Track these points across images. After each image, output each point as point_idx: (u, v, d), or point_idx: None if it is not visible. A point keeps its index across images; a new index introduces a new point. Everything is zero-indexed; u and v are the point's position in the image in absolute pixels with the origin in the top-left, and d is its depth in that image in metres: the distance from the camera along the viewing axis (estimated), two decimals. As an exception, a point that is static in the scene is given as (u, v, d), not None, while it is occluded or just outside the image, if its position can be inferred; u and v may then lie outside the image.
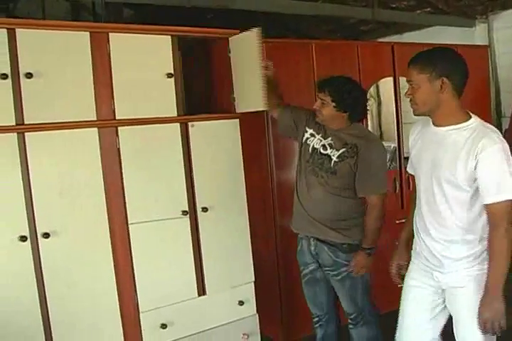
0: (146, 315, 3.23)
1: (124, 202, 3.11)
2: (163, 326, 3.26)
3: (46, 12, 6.50)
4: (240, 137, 3.50)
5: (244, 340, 3.56)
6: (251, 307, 3.62)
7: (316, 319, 3.59)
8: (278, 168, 4.00)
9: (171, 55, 3.23)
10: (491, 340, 2.49)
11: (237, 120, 3.48)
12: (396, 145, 4.62)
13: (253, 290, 3.61)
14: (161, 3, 4.89)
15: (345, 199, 3.23)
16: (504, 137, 2.41)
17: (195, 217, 3.34)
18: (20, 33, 2.82)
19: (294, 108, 3.51)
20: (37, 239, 2.86)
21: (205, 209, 3.34)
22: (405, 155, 4.64)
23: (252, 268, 3.58)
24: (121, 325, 3.15)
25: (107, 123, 3.03)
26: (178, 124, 3.26)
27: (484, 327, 2.40)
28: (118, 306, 3.13)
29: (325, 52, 4.18)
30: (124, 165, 3.09)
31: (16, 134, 2.81)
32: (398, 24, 6.90)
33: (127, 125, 3.09)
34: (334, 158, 3.18)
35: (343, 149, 3.16)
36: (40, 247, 2.87)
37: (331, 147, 3.21)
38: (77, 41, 2.98)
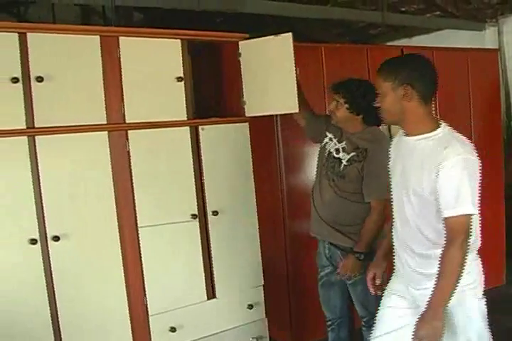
0: (156, 318, 3.23)
1: (134, 206, 3.12)
2: (173, 329, 3.26)
3: (56, 16, 6.52)
4: (249, 141, 3.50)
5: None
6: (260, 311, 3.62)
7: (329, 322, 3.58)
8: (288, 171, 3.99)
9: (181, 58, 3.24)
10: None
11: (247, 124, 3.48)
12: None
13: (262, 294, 3.61)
14: (170, 6, 4.89)
15: (353, 203, 3.22)
16: None
17: (205, 220, 3.35)
18: (31, 37, 2.84)
19: (319, 115, 3.53)
20: (47, 242, 2.88)
21: (215, 213, 3.34)
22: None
23: (262, 272, 3.58)
24: (130, 327, 3.16)
25: (117, 127, 3.05)
26: (188, 128, 3.27)
27: None
28: (127, 309, 3.14)
29: (334, 56, 4.18)
30: (133, 168, 3.10)
31: (26, 137, 2.82)
32: (407, 28, 6.87)
33: (137, 128, 3.11)
34: (344, 162, 3.18)
35: (353, 153, 3.17)
36: (49, 250, 2.88)
37: (343, 150, 3.21)
38: (87, 45, 2.99)
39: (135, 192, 3.11)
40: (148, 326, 3.22)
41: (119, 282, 3.10)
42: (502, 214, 5.15)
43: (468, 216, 2.24)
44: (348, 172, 3.17)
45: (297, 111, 3.17)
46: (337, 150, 3.24)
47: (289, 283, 4.07)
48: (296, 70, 3.20)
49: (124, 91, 3.07)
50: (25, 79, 2.81)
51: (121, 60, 3.07)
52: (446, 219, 2.26)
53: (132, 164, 3.10)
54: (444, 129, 2.37)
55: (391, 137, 3.18)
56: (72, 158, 2.93)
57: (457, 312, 2.36)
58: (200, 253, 3.34)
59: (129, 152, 3.08)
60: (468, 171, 2.23)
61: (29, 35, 2.83)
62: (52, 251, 2.88)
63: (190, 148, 3.28)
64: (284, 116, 3.82)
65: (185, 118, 3.26)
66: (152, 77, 3.16)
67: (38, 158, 2.84)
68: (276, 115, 3.85)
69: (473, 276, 2.40)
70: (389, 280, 2.72)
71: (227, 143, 3.43)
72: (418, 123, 2.37)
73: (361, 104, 3.13)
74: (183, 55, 3.25)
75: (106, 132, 3.02)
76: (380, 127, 3.37)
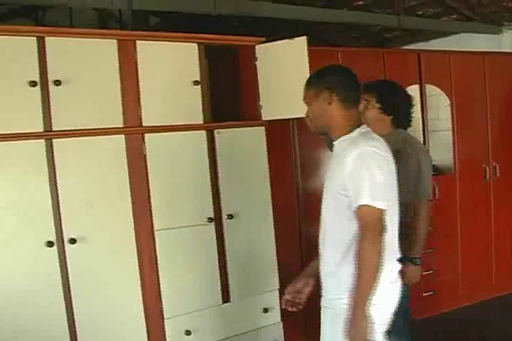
0: (171, 321, 3.23)
1: (150, 209, 3.13)
2: (188, 332, 3.26)
3: (73, 20, 6.57)
4: (265, 145, 3.50)
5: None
6: (275, 315, 3.61)
7: None
8: (303, 175, 3.99)
9: (198, 62, 3.25)
10: None
11: (263, 127, 3.49)
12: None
13: (278, 298, 3.60)
14: (187, 10, 4.91)
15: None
16: None
17: (221, 224, 3.35)
18: (49, 41, 2.86)
19: None
20: (63, 244, 2.89)
21: (230, 216, 3.35)
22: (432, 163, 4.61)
23: (277, 276, 3.58)
24: (145, 330, 3.16)
25: (134, 130, 3.06)
26: (204, 131, 3.28)
27: None
28: (143, 312, 3.14)
29: (351, 60, 4.15)
30: (150, 171, 3.11)
31: (44, 140, 2.85)
32: (424, 31, 6.84)
33: (154, 132, 3.12)
34: None
35: None
36: (66, 253, 2.90)
37: None
38: (104, 49, 3.02)
39: (151, 195, 3.12)
40: (164, 329, 3.22)
41: (134, 285, 3.11)
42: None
43: (373, 208, 2.20)
44: None
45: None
46: None
47: (304, 286, 4.06)
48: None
49: (140, 95, 3.08)
50: (43, 82, 2.83)
51: (138, 63, 3.09)
52: (354, 212, 2.25)
53: (148, 167, 3.10)
54: (360, 130, 2.38)
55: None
56: (88, 161, 2.94)
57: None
58: (216, 256, 3.34)
59: (145, 155, 3.10)
60: (370, 164, 2.22)
61: (47, 39, 2.85)
62: (69, 253, 2.90)
63: (206, 151, 3.29)
64: (301, 120, 3.81)
65: (202, 122, 3.27)
66: (169, 80, 3.17)
67: (55, 161, 2.86)
68: (293, 119, 3.84)
69: (378, 298, 2.27)
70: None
71: (243, 147, 3.43)
72: (339, 126, 2.40)
73: (393, 104, 3.13)
74: (199, 59, 3.26)
75: (123, 135, 3.04)
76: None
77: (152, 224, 3.14)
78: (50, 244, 2.83)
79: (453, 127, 4.78)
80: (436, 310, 4.65)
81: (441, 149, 4.85)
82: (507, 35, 6.47)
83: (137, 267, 3.10)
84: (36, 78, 2.81)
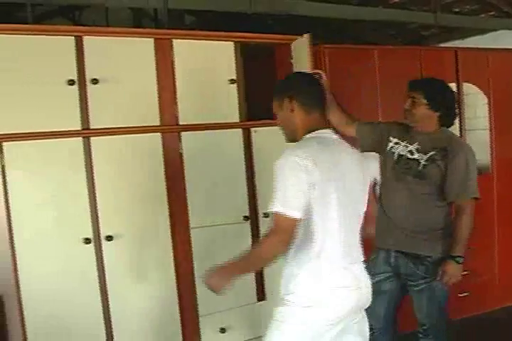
0: (206, 318, 3.25)
1: (186, 206, 3.15)
2: (222, 330, 3.28)
3: (109, 20, 6.64)
4: (301, 143, 3.50)
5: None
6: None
7: (372, 330, 3.45)
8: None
9: (234, 60, 3.26)
10: None
11: (299, 126, 3.48)
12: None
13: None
14: (222, 9, 4.92)
15: (432, 207, 3.13)
16: None
17: (257, 222, 3.36)
18: (87, 40, 2.89)
19: (371, 122, 3.45)
20: (100, 241, 2.92)
21: (266, 215, 3.34)
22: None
23: (312, 274, 3.57)
24: (180, 328, 3.18)
25: (170, 129, 3.08)
26: (240, 130, 3.28)
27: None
28: (178, 309, 3.17)
29: (387, 58, 4.14)
30: (186, 170, 3.13)
31: (81, 138, 2.88)
32: (461, 28, 6.76)
33: (190, 130, 3.14)
34: (423, 162, 3.09)
35: (432, 152, 3.08)
36: (103, 249, 2.92)
37: (418, 151, 3.12)
38: (141, 47, 3.04)
39: (187, 193, 3.14)
40: (198, 326, 3.24)
41: (170, 282, 3.13)
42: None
43: (283, 216, 2.15)
44: (429, 172, 3.08)
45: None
46: (411, 152, 3.16)
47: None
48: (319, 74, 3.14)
49: (177, 93, 3.11)
50: (81, 81, 2.87)
51: (175, 62, 3.11)
52: None
53: (185, 165, 3.12)
54: (311, 135, 2.36)
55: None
56: (125, 159, 2.97)
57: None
58: (251, 255, 3.34)
59: (181, 153, 3.11)
60: (285, 174, 2.22)
61: (85, 38, 2.89)
62: (106, 250, 2.93)
63: (242, 149, 3.30)
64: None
65: (238, 120, 3.28)
66: (205, 79, 3.18)
67: (93, 159, 2.90)
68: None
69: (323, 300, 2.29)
70: None
71: (279, 146, 3.40)
72: (299, 132, 2.41)
73: (441, 101, 3.10)
74: (236, 57, 3.27)
75: (159, 134, 3.06)
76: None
77: (188, 222, 3.16)
78: (87, 240, 2.86)
79: (490, 126, 4.71)
80: (471, 312, 4.58)
81: (478, 148, 4.76)
82: (547, 32, 6.37)
83: (173, 264, 3.13)
84: (74, 77, 2.85)
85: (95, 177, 2.90)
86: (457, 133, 4.55)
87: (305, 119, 2.38)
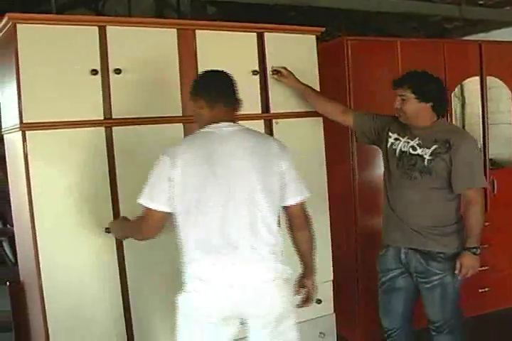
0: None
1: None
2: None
3: (131, 10, 6.65)
4: (323, 135, 3.49)
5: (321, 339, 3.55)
6: (328, 306, 3.61)
7: (388, 333, 3.37)
8: (360, 167, 3.95)
9: (257, 52, 3.25)
10: None
11: (321, 118, 3.48)
12: (481, 146, 4.49)
13: (331, 289, 3.59)
14: (245, 0, 4.92)
15: (442, 201, 3.09)
16: None
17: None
18: (111, 30, 2.90)
19: (370, 114, 3.42)
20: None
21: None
22: (490, 157, 4.52)
23: (331, 267, 3.57)
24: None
25: (192, 119, 3.06)
26: (262, 121, 3.28)
27: None
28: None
29: (410, 51, 4.10)
30: (208, 161, 3.11)
31: (104, 128, 2.89)
32: (485, 21, 6.70)
33: (212, 121, 3.12)
34: (427, 157, 3.04)
35: (435, 146, 3.04)
36: (123, 241, 2.93)
37: (420, 146, 3.08)
38: (164, 38, 3.05)
39: (208, 184, 3.13)
40: (217, 318, 3.24)
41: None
42: None
43: (145, 208, 2.37)
44: (434, 166, 3.03)
45: None
46: (413, 148, 3.11)
47: (358, 279, 4.04)
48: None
49: (200, 84, 3.09)
50: (103, 71, 2.87)
51: (198, 53, 3.11)
52: None
53: (207, 156, 3.11)
54: (201, 130, 2.48)
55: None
56: (147, 150, 2.97)
57: None
58: (271, 247, 3.34)
59: (203, 144, 3.11)
60: (154, 170, 2.39)
61: (108, 28, 2.89)
62: (126, 242, 2.93)
63: (264, 141, 3.28)
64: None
65: (260, 112, 3.28)
66: (227, 70, 3.15)
67: (114, 149, 2.91)
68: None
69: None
70: None
71: (301, 138, 3.42)
72: (201, 127, 2.50)
73: (429, 91, 3.06)
74: (258, 49, 3.26)
75: (181, 124, 3.06)
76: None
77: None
78: (108, 230, 2.86)
79: (514, 120, 4.68)
80: (491, 307, 4.56)
81: (501, 143, 4.75)
82: None
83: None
84: (97, 67, 2.86)
85: (116, 167, 2.91)
86: (480, 127, 4.52)
87: (209, 115, 2.47)
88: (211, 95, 2.47)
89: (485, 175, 4.37)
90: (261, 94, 3.28)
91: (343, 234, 4.01)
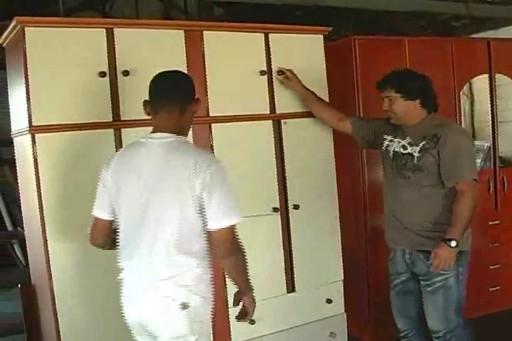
0: (235, 310, 3.23)
1: (216, 198, 3.13)
2: (252, 321, 3.27)
3: (139, 12, 6.66)
4: (332, 135, 3.49)
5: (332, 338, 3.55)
6: (339, 306, 3.61)
7: (403, 334, 3.34)
8: (369, 166, 3.94)
9: (264, 52, 3.25)
10: None
11: (330, 118, 3.47)
12: (490, 144, 4.48)
13: (342, 289, 3.59)
14: (251, 1, 4.92)
15: (438, 198, 3.01)
16: None
17: (287, 214, 3.36)
18: (118, 32, 2.91)
19: (366, 119, 3.43)
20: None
21: (296, 207, 3.35)
22: (500, 155, 4.50)
23: (342, 267, 3.57)
24: (210, 318, 3.18)
25: (201, 120, 3.08)
26: (270, 121, 3.28)
27: None
28: (208, 300, 3.16)
29: (418, 49, 4.09)
30: (216, 161, 3.12)
31: (112, 130, 2.90)
32: (493, 19, 6.66)
33: (220, 122, 3.15)
34: (416, 154, 3.01)
35: (423, 142, 3.00)
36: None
37: (410, 145, 3.06)
38: (172, 39, 3.06)
39: (217, 185, 3.13)
40: (228, 317, 3.25)
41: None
42: None
43: (93, 215, 2.42)
44: (424, 163, 3.00)
45: None
46: (404, 147, 3.09)
47: (368, 278, 4.03)
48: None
49: (207, 85, 3.11)
50: (112, 73, 2.88)
51: (205, 53, 3.11)
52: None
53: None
54: (142, 138, 2.39)
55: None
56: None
57: None
58: (281, 246, 3.36)
59: (212, 145, 3.12)
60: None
61: (116, 30, 2.90)
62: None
63: (272, 141, 3.31)
64: (366, 109, 3.80)
65: (268, 112, 3.28)
66: (235, 70, 3.19)
67: (124, 151, 2.90)
68: (359, 109, 3.83)
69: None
70: None
71: (309, 138, 3.42)
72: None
73: (413, 88, 3.02)
74: (266, 49, 3.26)
75: (190, 125, 3.06)
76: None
77: (218, 213, 3.15)
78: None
79: (523, 118, 4.66)
80: (502, 306, 4.54)
81: (511, 140, 4.73)
82: None
83: (203, 256, 3.12)
84: (105, 69, 2.86)
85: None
86: (489, 124, 4.50)
87: (153, 122, 2.38)
88: (154, 100, 2.36)
89: (494, 173, 4.39)
90: (269, 94, 3.28)
91: (353, 234, 4.01)
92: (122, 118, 2.91)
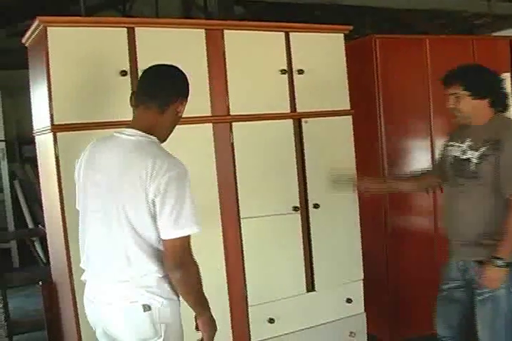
0: (255, 308, 3.25)
1: (237, 197, 3.16)
2: (271, 320, 3.28)
3: (159, 11, 6.69)
4: (352, 134, 3.48)
5: (351, 338, 3.54)
6: (359, 306, 3.60)
7: (440, 339, 3.15)
8: (390, 165, 3.92)
9: (285, 51, 3.25)
10: None
11: (350, 117, 3.47)
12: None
13: (362, 288, 3.58)
14: (272, 0, 4.92)
15: (492, 208, 2.77)
16: None
17: (307, 213, 3.35)
18: (139, 31, 2.91)
19: (437, 158, 3.26)
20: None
21: (316, 206, 3.34)
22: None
23: (362, 266, 3.56)
24: (229, 317, 3.20)
25: (222, 119, 3.09)
26: (291, 120, 3.28)
27: None
28: (228, 299, 3.18)
29: (439, 48, 4.07)
30: (237, 160, 3.14)
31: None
32: (515, 16, 6.61)
33: (241, 121, 3.15)
34: (474, 160, 2.78)
35: (484, 148, 2.76)
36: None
37: (470, 149, 2.82)
38: (192, 38, 3.06)
39: (238, 183, 3.15)
40: (247, 316, 3.25)
41: (220, 271, 3.15)
42: None
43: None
44: (481, 170, 2.75)
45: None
46: (463, 152, 2.86)
47: (388, 278, 4.01)
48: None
49: (228, 84, 3.12)
50: (133, 72, 2.89)
51: (226, 52, 3.11)
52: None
53: (236, 156, 3.14)
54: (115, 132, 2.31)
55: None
56: (178, 150, 2.96)
57: None
58: (301, 245, 3.35)
59: (232, 144, 3.13)
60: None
61: (137, 29, 2.91)
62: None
63: (293, 140, 3.30)
64: (387, 110, 3.79)
65: (289, 111, 3.28)
66: (256, 69, 3.19)
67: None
68: (380, 108, 3.82)
69: None
70: None
71: (330, 136, 3.41)
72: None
73: (483, 86, 2.80)
74: (286, 48, 3.26)
75: (211, 124, 3.07)
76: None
77: (238, 212, 3.17)
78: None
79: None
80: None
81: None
82: None
83: (223, 254, 3.14)
84: (126, 68, 2.87)
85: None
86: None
87: (133, 115, 2.34)
88: (137, 94, 2.30)
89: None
90: (289, 93, 3.28)
91: (373, 233, 3.99)
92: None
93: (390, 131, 3.90)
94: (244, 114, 3.15)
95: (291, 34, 3.30)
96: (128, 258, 2.15)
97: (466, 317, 3.00)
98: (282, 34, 3.27)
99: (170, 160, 2.14)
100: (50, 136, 2.76)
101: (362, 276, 3.57)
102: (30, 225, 7.22)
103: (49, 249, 3.43)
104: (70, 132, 2.75)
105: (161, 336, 2.17)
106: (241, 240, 3.18)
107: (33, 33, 2.89)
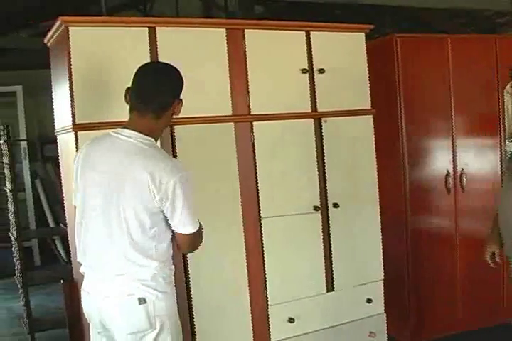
0: (275, 308, 3.25)
1: (258, 197, 3.15)
2: (291, 320, 3.28)
3: (179, 11, 6.70)
4: (373, 134, 3.46)
5: (372, 338, 3.52)
6: (379, 306, 3.58)
7: None
8: (411, 166, 3.91)
9: (306, 50, 3.24)
10: None
11: (371, 116, 3.45)
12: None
13: (382, 289, 3.56)
14: (292, -1, 4.92)
15: None
16: None
17: (327, 212, 3.34)
18: (160, 31, 2.92)
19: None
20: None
21: (336, 206, 3.33)
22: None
23: (382, 266, 3.54)
24: (250, 316, 3.20)
25: (243, 118, 3.09)
26: (311, 120, 3.27)
27: None
28: (248, 298, 3.18)
29: (461, 47, 4.04)
30: (258, 159, 3.14)
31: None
32: (539, 14, 6.54)
33: (262, 120, 3.14)
34: None
35: None
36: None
37: None
38: (213, 38, 3.06)
39: (259, 183, 3.15)
40: (268, 316, 3.25)
41: (241, 271, 3.15)
42: None
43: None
44: None
45: None
46: None
47: (409, 279, 3.99)
48: None
49: (249, 83, 3.11)
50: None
51: (247, 52, 3.11)
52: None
53: (256, 155, 3.13)
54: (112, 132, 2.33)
55: None
56: (196, 149, 2.98)
57: None
58: (321, 245, 3.34)
59: (253, 143, 3.13)
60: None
61: (158, 29, 2.92)
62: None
63: (313, 139, 3.29)
64: (408, 109, 3.78)
65: (310, 111, 3.27)
66: (277, 68, 3.18)
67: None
68: (401, 108, 3.80)
69: None
70: None
71: (350, 136, 3.40)
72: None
73: None
74: (307, 47, 3.25)
75: (232, 123, 3.08)
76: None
77: (259, 212, 3.17)
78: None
79: None
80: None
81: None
82: None
83: (244, 253, 3.14)
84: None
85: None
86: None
87: (129, 115, 2.31)
88: (132, 97, 2.29)
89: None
90: (310, 92, 3.27)
91: (394, 233, 3.97)
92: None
93: (411, 130, 3.88)
94: (265, 114, 3.15)
95: (312, 33, 3.29)
96: (125, 254, 2.22)
97: None
98: (303, 33, 3.26)
99: (172, 164, 2.22)
100: (72, 135, 2.77)
101: (382, 277, 3.55)
102: (52, 224, 7.28)
103: (70, 247, 3.45)
104: (92, 131, 2.76)
105: (155, 328, 2.24)
106: (261, 240, 3.18)
107: (54, 33, 2.91)
